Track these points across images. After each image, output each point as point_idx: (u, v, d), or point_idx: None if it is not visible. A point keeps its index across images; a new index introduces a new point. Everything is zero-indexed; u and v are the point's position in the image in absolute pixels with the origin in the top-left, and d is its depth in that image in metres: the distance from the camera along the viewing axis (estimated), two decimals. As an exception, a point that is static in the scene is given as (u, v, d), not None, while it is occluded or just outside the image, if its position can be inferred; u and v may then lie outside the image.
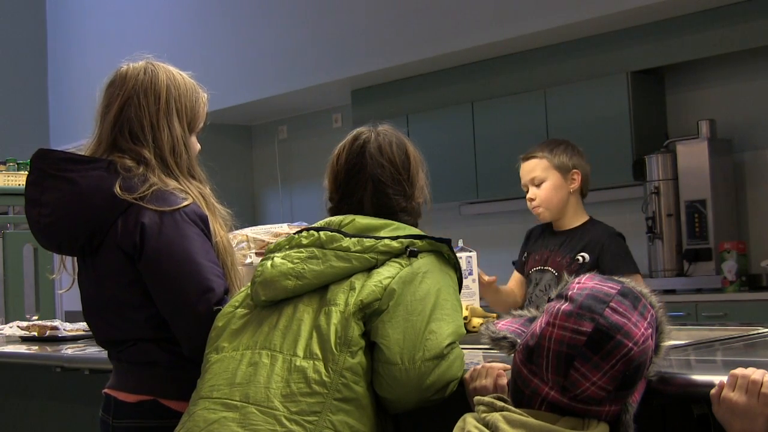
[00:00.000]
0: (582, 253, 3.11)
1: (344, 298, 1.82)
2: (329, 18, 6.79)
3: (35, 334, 3.54)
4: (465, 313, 2.54)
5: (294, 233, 1.95)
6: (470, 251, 2.93)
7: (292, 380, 1.76)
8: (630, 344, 1.54)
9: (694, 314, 4.92)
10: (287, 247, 1.93)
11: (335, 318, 1.80)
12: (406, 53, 6.30)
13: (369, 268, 1.85)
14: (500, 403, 1.60)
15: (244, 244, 2.76)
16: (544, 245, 3.23)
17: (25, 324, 3.72)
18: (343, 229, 1.91)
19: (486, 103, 6.29)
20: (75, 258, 2.16)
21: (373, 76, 6.69)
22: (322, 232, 1.90)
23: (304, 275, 1.86)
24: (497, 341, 1.74)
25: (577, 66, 5.82)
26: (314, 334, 1.80)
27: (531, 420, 1.55)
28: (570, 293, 1.61)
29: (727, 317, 4.77)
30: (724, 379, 1.57)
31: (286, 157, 8.22)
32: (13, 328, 3.74)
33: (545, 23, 5.58)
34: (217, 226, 2.09)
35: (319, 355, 1.77)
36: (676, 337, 1.94)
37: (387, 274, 1.83)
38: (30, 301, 5.31)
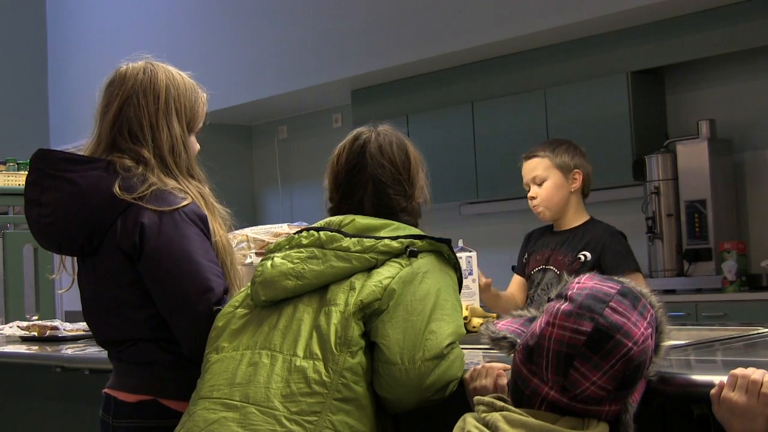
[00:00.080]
0: (584, 252, 3.11)
1: (344, 298, 1.82)
2: (329, 18, 6.79)
3: (35, 334, 3.54)
4: (465, 313, 2.54)
5: (294, 233, 1.95)
6: (470, 251, 2.93)
7: (292, 380, 1.76)
8: (630, 344, 1.54)
9: (694, 314, 4.92)
10: (287, 247, 1.93)
11: (335, 318, 1.80)
12: (406, 53, 6.30)
13: (369, 268, 1.85)
14: (500, 403, 1.60)
15: (244, 244, 2.76)
16: (545, 245, 3.23)
17: (25, 324, 3.72)
18: (343, 229, 1.91)
19: (486, 103, 6.29)
20: (75, 258, 2.16)
21: (373, 76, 6.69)
22: (322, 232, 1.90)
23: (304, 275, 1.86)
24: (497, 341, 1.74)
25: (577, 66, 5.83)
26: (314, 334, 1.80)
27: (531, 420, 1.55)
28: (569, 293, 1.61)
29: (727, 317, 4.77)
30: (724, 379, 1.57)
31: (286, 157, 8.22)
32: (13, 328, 3.74)
33: (545, 23, 5.58)
34: (216, 226, 2.09)
35: (319, 355, 1.77)
36: (676, 337, 1.94)
37: (387, 274, 1.83)
38: (30, 301, 5.31)
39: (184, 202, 2.04)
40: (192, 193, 2.09)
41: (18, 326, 3.72)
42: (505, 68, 6.19)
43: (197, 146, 2.21)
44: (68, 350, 3.14)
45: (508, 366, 1.74)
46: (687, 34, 5.33)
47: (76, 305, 2.20)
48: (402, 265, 1.84)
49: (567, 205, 3.19)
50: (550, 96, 5.95)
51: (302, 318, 1.83)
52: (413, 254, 1.86)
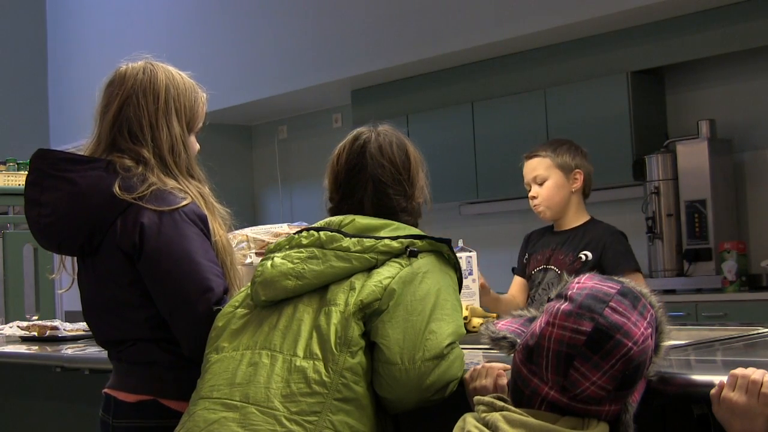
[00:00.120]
0: (585, 251, 3.11)
1: (344, 298, 1.82)
2: (329, 18, 6.79)
3: (35, 334, 3.54)
4: (465, 313, 2.54)
5: (294, 233, 1.95)
6: (470, 251, 2.93)
7: (292, 380, 1.76)
8: (630, 344, 1.54)
9: (694, 314, 4.93)
10: (287, 247, 1.93)
11: (335, 318, 1.80)
12: (406, 53, 6.30)
13: (369, 268, 1.85)
14: (500, 403, 1.60)
15: (244, 244, 2.76)
16: (546, 245, 3.23)
17: (25, 324, 3.72)
18: (343, 229, 1.91)
19: (486, 103, 6.29)
20: (75, 258, 2.16)
21: (373, 76, 6.69)
22: (322, 232, 1.90)
23: (304, 275, 1.86)
24: (497, 341, 1.74)
25: (577, 66, 5.83)
26: (314, 334, 1.80)
27: (531, 420, 1.55)
28: (569, 293, 1.61)
29: (727, 317, 4.78)
30: (724, 379, 1.57)
31: (286, 157, 8.22)
32: (13, 328, 3.74)
33: (545, 23, 5.58)
34: (216, 226, 2.09)
35: (319, 355, 1.77)
36: (676, 337, 1.94)
37: (387, 274, 1.83)
38: (30, 301, 5.31)
39: (184, 202, 2.04)
40: (192, 193, 2.08)
41: (18, 326, 3.72)
42: (505, 68, 6.19)
43: (197, 146, 2.21)
44: (68, 350, 3.14)
45: (508, 366, 1.74)
46: (687, 34, 5.33)
47: (76, 305, 2.20)
48: (402, 265, 1.84)
49: (568, 205, 3.19)
50: (550, 96, 5.95)
51: (302, 318, 1.83)
52: (413, 254, 1.86)
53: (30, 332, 3.58)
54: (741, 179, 5.46)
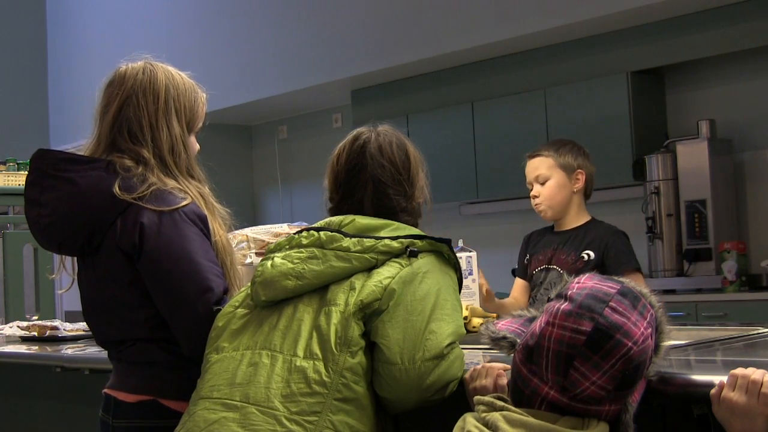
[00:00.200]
0: (587, 251, 3.11)
1: (344, 298, 1.82)
2: (329, 18, 6.79)
3: (35, 334, 3.54)
4: (465, 313, 2.54)
5: (294, 233, 1.95)
6: (470, 251, 2.93)
7: (293, 380, 1.76)
8: (629, 343, 1.54)
9: (694, 314, 4.93)
10: (287, 247, 1.93)
11: (335, 318, 1.80)
12: (406, 53, 6.30)
13: (369, 268, 1.85)
14: (500, 403, 1.60)
15: (244, 244, 2.76)
16: (547, 245, 3.23)
17: (25, 324, 3.72)
18: (343, 230, 1.91)
19: (486, 103, 6.29)
20: (75, 258, 2.16)
21: (373, 76, 6.69)
22: (322, 232, 1.90)
23: (304, 275, 1.86)
24: (497, 341, 1.74)
25: (577, 66, 5.83)
26: (314, 334, 1.80)
27: (531, 419, 1.55)
28: (569, 293, 1.61)
29: (727, 317, 4.78)
30: (724, 379, 1.57)
31: (286, 157, 8.22)
32: (13, 328, 3.74)
33: (545, 23, 5.58)
34: (216, 226, 2.09)
35: (320, 355, 1.77)
36: (676, 337, 1.94)
37: (387, 274, 1.83)
38: (30, 301, 5.31)
39: (184, 202, 2.04)
40: (192, 193, 2.09)
41: (18, 326, 3.72)
42: (505, 68, 6.19)
43: (197, 146, 2.21)
44: (68, 350, 3.14)
45: (508, 366, 1.74)
46: (687, 34, 5.33)
47: (76, 305, 2.20)
48: (402, 265, 1.84)
49: (569, 205, 3.19)
50: (550, 96, 5.95)
51: (302, 318, 1.83)
52: (413, 254, 1.86)
53: (30, 332, 3.58)
54: (741, 179, 5.47)
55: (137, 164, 2.06)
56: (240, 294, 1.97)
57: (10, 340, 3.65)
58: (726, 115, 5.49)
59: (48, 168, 2.06)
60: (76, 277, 2.17)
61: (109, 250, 2.03)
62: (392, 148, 2.04)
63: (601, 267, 3.02)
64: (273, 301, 1.88)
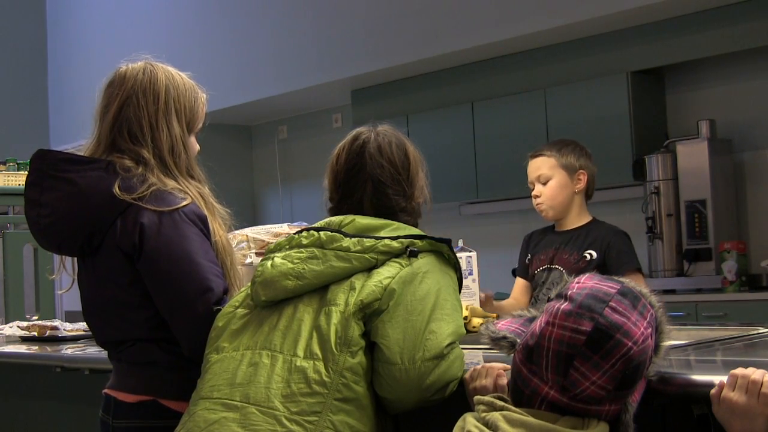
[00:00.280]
0: (589, 251, 3.11)
1: (344, 298, 1.82)
2: (329, 18, 6.79)
3: (35, 334, 3.54)
4: (465, 313, 2.54)
5: (294, 233, 1.95)
6: (470, 251, 2.93)
7: (293, 380, 1.76)
8: (629, 343, 1.54)
9: (694, 314, 4.93)
10: (287, 247, 1.93)
11: (335, 318, 1.80)
12: (406, 53, 6.30)
13: (369, 268, 1.85)
14: (500, 403, 1.60)
15: (244, 244, 2.76)
16: (549, 245, 3.23)
17: (25, 324, 3.72)
18: (343, 230, 1.91)
19: (486, 103, 6.29)
20: (75, 258, 2.16)
21: (373, 76, 6.69)
22: (322, 232, 1.90)
23: (305, 275, 1.86)
24: (497, 341, 1.74)
25: (577, 66, 5.82)
26: (314, 334, 1.80)
27: (531, 419, 1.55)
28: (569, 293, 1.61)
29: (727, 317, 4.77)
30: (724, 379, 1.57)
31: (286, 157, 8.22)
32: (13, 328, 3.74)
33: (545, 23, 5.58)
34: (216, 226, 2.09)
35: (320, 355, 1.77)
36: (676, 337, 1.94)
37: (387, 274, 1.83)
38: (30, 301, 5.31)
39: (184, 203, 2.04)
40: (192, 193, 2.09)
41: (18, 326, 3.72)
42: (505, 68, 6.19)
43: (197, 147, 2.21)
44: (68, 350, 3.14)
45: (508, 366, 1.74)
46: (687, 34, 5.33)
47: (76, 305, 2.20)
48: (402, 265, 1.84)
49: (570, 205, 3.19)
50: (550, 96, 5.95)
51: (302, 318, 1.83)
52: (413, 254, 1.86)
53: (30, 332, 3.58)
54: (741, 179, 5.46)
55: (137, 164, 2.06)
56: (240, 294, 1.97)
57: (10, 340, 3.65)
58: (726, 115, 5.49)
59: (48, 168, 2.06)
60: (76, 277, 2.17)
61: (109, 250, 2.03)
62: (391, 148, 2.04)
63: (602, 267, 3.02)
64: (273, 301, 1.88)
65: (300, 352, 1.79)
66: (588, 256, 3.11)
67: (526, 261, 3.30)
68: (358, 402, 1.77)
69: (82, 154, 2.10)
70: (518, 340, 1.68)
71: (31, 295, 5.32)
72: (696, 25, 5.29)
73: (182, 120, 2.13)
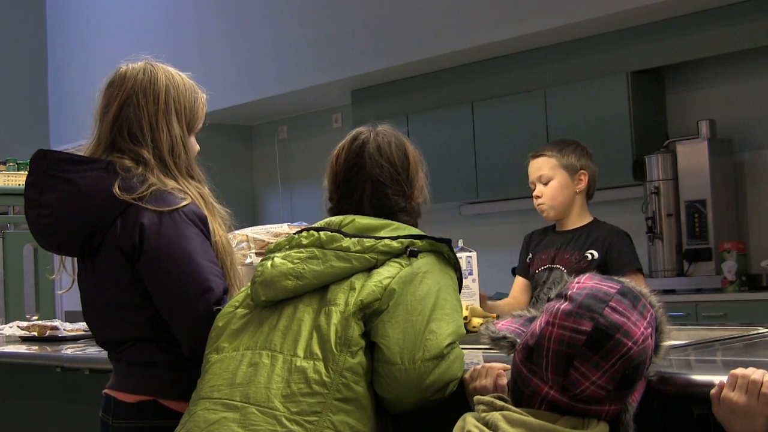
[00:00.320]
0: (591, 251, 3.11)
1: (344, 298, 1.82)
2: (329, 18, 6.79)
3: (35, 334, 3.54)
4: (465, 313, 2.54)
5: (294, 233, 1.95)
6: (470, 251, 2.93)
7: (293, 380, 1.76)
8: (629, 343, 1.54)
9: (694, 314, 4.93)
10: (287, 247, 1.93)
11: (335, 318, 1.80)
12: (406, 53, 6.30)
13: (369, 268, 1.85)
14: (500, 403, 1.60)
15: (244, 244, 2.76)
16: (550, 244, 3.23)
17: (25, 324, 3.72)
18: (343, 229, 1.91)
19: (486, 103, 6.29)
20: (75, 258, 2.16)
21: (373, 76, 6.69)
22: (322, 232, 1.90)
23: (305, 275, 1.86)
24: (497, 341, 1.74)
25: (577, 66, 5.83)
26: (314, 335, 1.80)
27: (531, 419, 1.55)
28: (569, 293, 1.61)
29: (727, 317, 4.77)
30: (724, 379, 1.57)
31: (286, 157, 8.22)
32: (13, 328, 3.74)
33: (545, 23, 5.58)
34: (216, 226, 2.09)
35: (320, 356, 1.77)
36: (676, 337, 1.94)
37: (387, 274, 1.83)
38: (30, 301, 5.31)
39: (184, 203, 2.04)
40: (192, 193, 2.09)
41: (18, 326, 3.72)
42: (505, 68, 6.19)
43: (197, 147, 2.21)
44: (68, 350, 3.14)
45: (508, 366, 1.74)
46: (687, 34, 5.33)
47: (76, 305, 2.20)
48: (402, 265, 1.84)
49: (571, 206, 3.19)
50: (550, 96, 5.95)
51: (302, 318, 1.83)
52: (413, 254, 1.86)
53: (30, 332, 3.58)
54: (741, 179, 5.46)
55: (137, 164, 2.06)
56: (240, 294, 1.97)
57: (10, 340, 3.65)
58: (726, 115, 5.49)
59: (48, 168, 2.06)
60: (76, 277, 2.17)
61: (108, 250, 2.03)
62: (391, 147, 2.04)
63: (603, 267, 3.02)
64: (273, 301, 1.88)
65: (300, 352, 1.79)
66: (589, 256, 3.11)
67: (527, 260, 3.30)
68: (358, 402, 1.77)
69: (82, 154, 2.10)
70: (518, 340, 1.68)
71: (31, 295, 5.33)
72: (696, 25, 5.29)
73: (182, 120, 2.13)
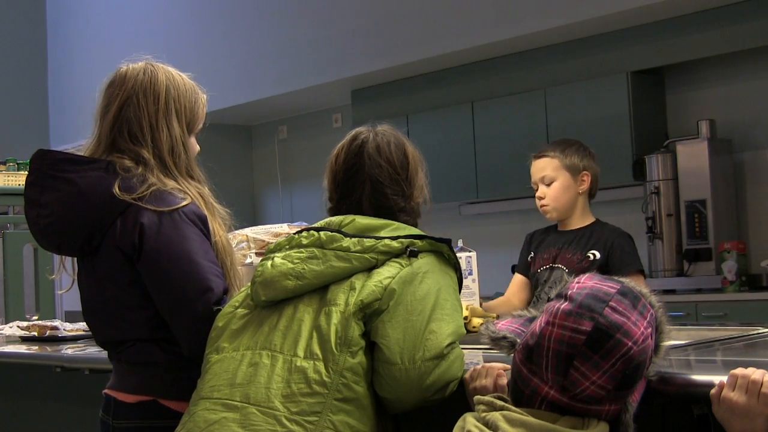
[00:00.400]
0: (593, 251, 3.11)
1: (344, 298, 1.82)
2: (329, 18, 6.79)
3: (35, 334, 3.54)
4: (465, 313, 2.54)
5: (294, 233, 1.95)
6: (470, 251, 2.92)
7: (293, 380, 1.76)
8: (629, 343, 1.54)
9: (694, 314, 4.93)
10: (287, 247, 1.93)
11: (335, 318, 1.80)
12: (406, 53, 6.30)
13: (369, 268, 1.85)
14: (500, 403, 1.60)
15: (244, 244, 2.76)
16: (551, 244, 3.23)
17: (25, 324, 3.72)
18: (343, 230, 1.91)
19: (486, 103, 6.29)
20: (75, 258, 2.16)
21: (373, 76, 6.69)
22: (322, 232, 1.90)
23: (305, 275, 1.86)
24: (497, 341, 1.74)
25: (577, 66, 5.82)
26: (314, 335, 1.80)
27: (531, 419, 1.56)
28: (569, 292, 1.61)
29: (727, 317, 4.77)
30: (724, 379, 1.57)
31: (286, 157, 8.22)
32: (13, 328, 3.74)
33: (545, 23, 5.58)
34: (216, 226, 2.09)
35: (320, 356, 1.77)
36: (676, 337, 1.94)
37: (387, 274, 1.83)
38: (30, 301, 5.31)
39: (184, 203, 2.04)
40: (191, 193, 2.09)
41: (18, 326, 3.72)
42: (505, 68, 6.19)
43: (197, 147, 2.21)
44: (68, 350, 3.14)
45: (508, 366, 1.74)
46: (687, 34, 5.33)
47: (76, 305, 2.20)
48: (402, 265, 1.84)
49: (574, 206, 3.19)
50: (550, 96, 5.94)
51: (302, 318, 1.83)
52: (413, 254, 1.86)
53: (30, 332, 3.58)
54: (741, 179, 5.46)
55: (137, 165, 2.06)
56: (240, 294, 1.97)
57: (10, 340, 3.65)
58: (726, 115, 5.49)
59: (48, 168, 2.06)
60: (76, 277, 2.17)
61: (108, 250, 2.03)
62: (390, 147, 2.04)
63: (604, 267, 3.02)
64: (273, 301, 1.88)
65: (300, 352, 1.79)
66: (591, 256, 3.11)
67: (528, 259, 3.29)
68: (359, 402, 1.77)
69: (82, 154, 2.10)
70: (518, 340, 1.68)
71: (31, 295, 5.32)
72: (696, 25, 5.29)
73: (182, 120, 2.13)
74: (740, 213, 5.43)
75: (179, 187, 2.08)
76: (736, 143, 5.46)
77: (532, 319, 1.76)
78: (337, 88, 7.02)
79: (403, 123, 6.50)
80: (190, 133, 2.16)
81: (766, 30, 5.05)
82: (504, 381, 1.79)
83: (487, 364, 1.85)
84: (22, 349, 3.42)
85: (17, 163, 5.44)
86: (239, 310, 1.92)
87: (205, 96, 2.21)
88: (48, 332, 3.50)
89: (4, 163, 5.45)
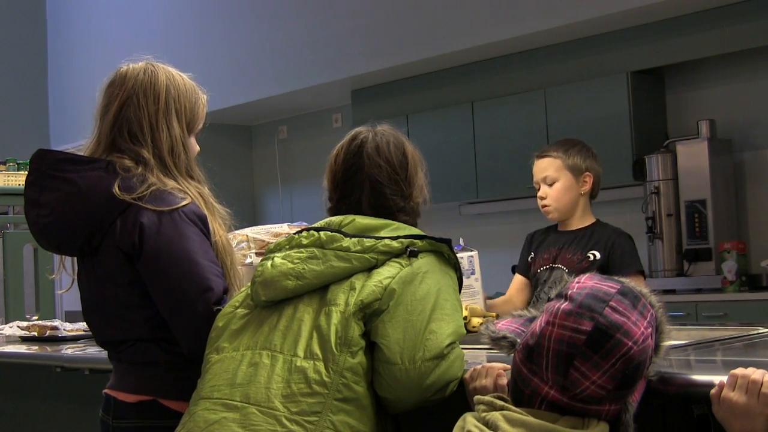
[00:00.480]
0: (593, 251, 3.11)
1: (344, 298, 1.82)
2: (329, 18, 6.79)
3: (35, 334, 3.54)
4: (465, 313, 2.54)
5: (294, 233, 1.95)
6: (471, 251, 2.92)
7: (293, 380, 1.76)
8: (630, 343, 1.54)
9: (694, 314, 4.93)
10: (287, 247, 1.93)
11: (335, 318, 1.80)
12: (406, 53, 6.30)
13: (369, 268, 1.85)
14: (500, 402, 1.60)
15: (244, 244, 2.76)
16: (552, 244, 3.23)
17: (25, 324, 3.72)
18: (343, 229, 1.91)
19: (486, 103, 6.29)
20: (75, 258, 2.16)
21: (373, 76, 6.69)
22: (322, 233, 1.90)
23: (305, 275, 1.86)
24: (497, 341, 1.74)
25: (577, 66, 5.83)
26: (314, 335, 1.80)
27: (531, 419, 1.55)
28: (569, 292, 1.61)
29: (727, 317, 4.78)
30: (724, 379, 1.57)
31: (286, 157, 8.23)
32: (13, 328, 3.74)
33: (545, 23, 5.58)
34: (216, 226, 2.09)
35: (320, 356, 1.77)
36: (676, 337, 1.94)
37: (387, 274, 1.83)
38: (30, 301, 5.31)
39: (184, 202, 2.04)
40: (191, 193, 2.09)
41: (18, 326, 3.72)
42: (505, 68, 6.19)
43: (197, 147, 2.21)
44: (68, 350, 3.14)
45: (508, 366, 1.74)
46: (687, 34, 5.33)
47: (76, 305, 2.20)
48: (402, 265, 1.84)
49: (575, 207, 3.19)
50: (550, 96, 5.95)
51: (302, 318, 1.83)
52: (413, 254, 1.86)
53: (30, 332, 3.58)
54: (741, 179, 5.47)
55: (137, 164, 2.06)
56: (240, 294, 1.97)
57: (10, 340, 3.65)
58: (726, 115, 5.49)
59: (47, 168, 2.06)
60: (76, 277, 2.17)
61: (108, 250, 2.03)
62: (389, 147, 2.04)
63: (605, 267, 3.02)
64: (273, 301, 1.88)
65: (300, 352, 1.79)
66: (591, 257, 3.11)
67: (529, 259, 3.29)
68: (359, 402, 1.77)
69: (82, 154, 2.10)
70: (518, 340, 1.68)
71: (31, 295, 5.32)
72: (696, 25, 5.29)
73: (182, 120, 2.13)
74: (740, 213, 5.43)
75: (179, 186, 2.08)
76: (736, 143, 5.46)
77: (532, 319, 1.76)
78: (337, 88, 7.02)
79: (403, 123, 6.50)
80: (190, 133, 2.16)
81: (766, 30, 5.05)
82: (504, 381, 1.79)
83: (487, 364, 1.85)
84: (22, 349, 3.42)
85: (17, 163, 5.44)
86: (239, 310, 1.92)
87: (205, 96, 2.21)
88: (48, 332, 3.50)
89: (4, 163, 5.46)
